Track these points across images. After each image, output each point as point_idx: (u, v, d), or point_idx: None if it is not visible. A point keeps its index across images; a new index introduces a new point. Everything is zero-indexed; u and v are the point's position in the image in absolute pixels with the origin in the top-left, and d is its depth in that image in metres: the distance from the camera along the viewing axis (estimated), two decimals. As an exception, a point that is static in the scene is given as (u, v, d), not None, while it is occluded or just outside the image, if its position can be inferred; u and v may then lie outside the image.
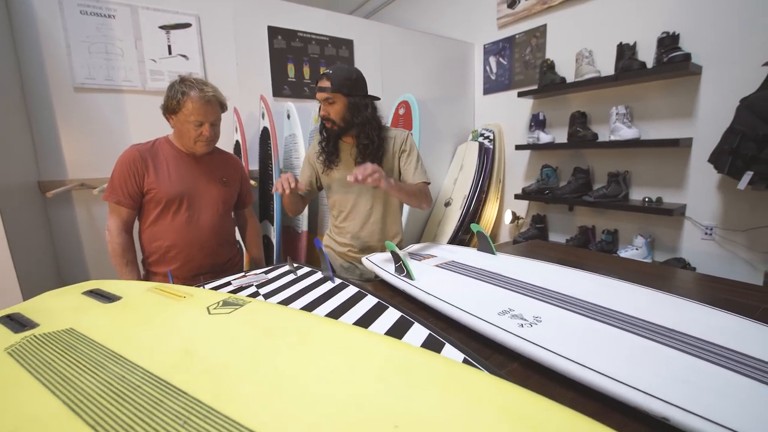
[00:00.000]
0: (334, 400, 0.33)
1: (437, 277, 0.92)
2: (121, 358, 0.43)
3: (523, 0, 2.52)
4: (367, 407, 0.32)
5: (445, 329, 0.73)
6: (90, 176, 1.65)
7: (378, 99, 1.31)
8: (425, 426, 0.30)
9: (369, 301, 0.74)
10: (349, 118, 1.22)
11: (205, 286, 0.89)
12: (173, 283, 0.77)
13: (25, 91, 1.54)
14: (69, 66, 1.60)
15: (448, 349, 0.55)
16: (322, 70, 2.25)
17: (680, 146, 1.83)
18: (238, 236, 1.53)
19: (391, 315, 0.67)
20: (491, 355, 0.64)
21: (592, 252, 2.03)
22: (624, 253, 2.05)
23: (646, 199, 2.00)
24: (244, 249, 1.67)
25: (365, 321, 0.66)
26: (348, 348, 0.42)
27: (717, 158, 1.67)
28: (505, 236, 2.89)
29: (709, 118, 1.80)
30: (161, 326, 0.51)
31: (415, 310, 0.83)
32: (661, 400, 0.46)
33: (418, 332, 0.61)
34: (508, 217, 2.73)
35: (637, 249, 2.04)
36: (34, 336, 0.51)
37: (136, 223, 1.25)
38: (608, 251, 2.16)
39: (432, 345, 0.57)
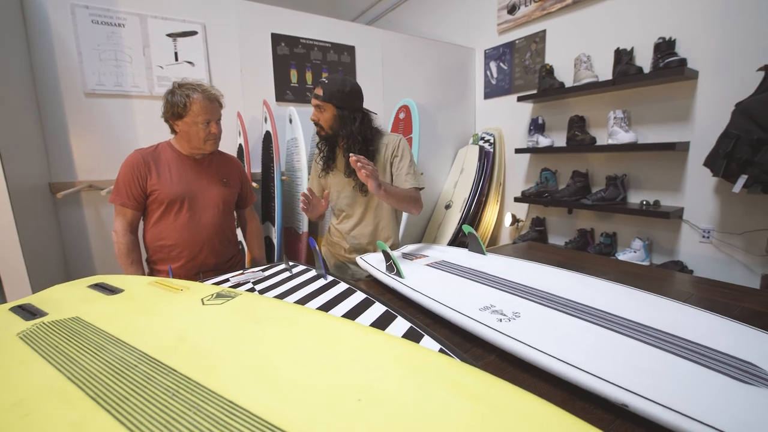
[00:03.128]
0: (307, 377, 0.37)
1: (426, 276, 0.96)
2: (120, 342, 0.47)
3: (522, 6, 2.56)
4: (335, 384, 0.36)
5: (430, 324, 0.76)
6: (98, 178, 1.72)
7: (374, 114, 1.35)
8: (385, 399, 0.34)
9: (357, 297, 0.77)
10: (336, 128, 1.28)
11: (204, 282, 0.94)
12: (173, 278, 0.82)
13: (39, 96, 1.61)
14: (80, 72, 1.67)
15: (426, 340, 0.59)
16: (324, 75, 2.31)
17: (677, 150, 1.85)
18: (240, 237, 1.58)
19: (377, 309, 0.71)
20: (471, 348, 0.68)
21: (585, 253, 2.05)
22: (622, 255, 2.07)
23: (644, 203, 2.01)
24: (245, 249, 1.72)
25: (352, 314, 0.69)
26: (326, 334, 0.46)
27: (712, 162, 1.68)
28: (505, 239, 2.92)
29: (706, 123, 1.82)
30: (158, 315, 0.55)
31: (403, 306, 0.86)
32: (621, 387, 0.49)
33: (400, 325, 0.64)
34: (508, 220, 2.75)
35: (635, 252, 2.05)
36: (43, 323, 0.56)
37: (142, 224, 1.30)
38: (607, 254, 2.17)
39: (412, 336, 0.60)
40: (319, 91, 1.26)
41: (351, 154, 1.10)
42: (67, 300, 0.65)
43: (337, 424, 0.31)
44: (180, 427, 0.32)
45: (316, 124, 1.29)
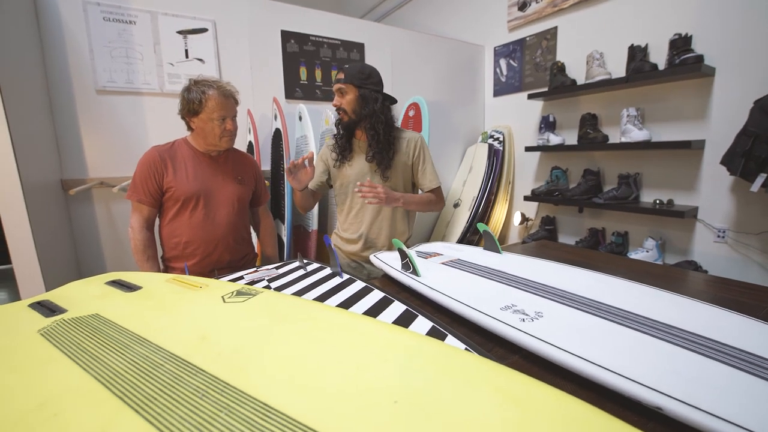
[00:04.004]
0: (340, 378, 0.36)
1: (443, 274, 0.94)
2: (144, 341, 0.47)
3: (533, 3, 2.53)
4: (370, 385, 0.35)
5: (449, 323, 0.75)
6: (109, 175, 1.72)
7: (395, 101, 1.36)
8: (422, 401, 0.33)
9: (375, 295, 0.76)
10: (359, 109, 1.28)
11: (219, 279, 0.93)
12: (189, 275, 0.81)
13: (51, 93, 1.61)
14: (92, 69, 1.67)
15: (450, 340, 0.58)
16: (334, 72, 2.30)
17: (692, 148, 1.82)
18: (253, 235, 1.58)
19: (396, 308, 0.70)
20: (493, 348, 0.66)
21: (601, 253, 2.02)
22: (634, 255, 2.04)
23: (657, 201, 1.98)
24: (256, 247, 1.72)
25: (371, 313, 0.68)
26: (354, 332, 0.45)
27: (730, 160, 1.65)
28: (514, 237, 2.89)
29: (722, 120, 1.78)
30: (179, 313, 0.55)
31: (420, 305, 0.85)
32: (655, 390, 0.47)
33: (422, 324, 0.63)
34: (517, 219, 2.73)
35: (647, 251, 2.02)
36: (64, 320, 0.55)
37: (157, 221, 1.30)
38: (618, 253, 2.14)
39: (435, 335, 0.59)
40: (341, 75, 1.29)
41: (357, 183, 1.18)
42: (86, 297, 0.65)
43: (375, 428, 0.30)
44: (213, 429, 0.31)
45: (339, 109, 1.31)
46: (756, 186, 1.53)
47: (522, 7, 2.60)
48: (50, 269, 1.40)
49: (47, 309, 0.61)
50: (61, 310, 0.60)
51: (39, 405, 0.36)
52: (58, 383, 0.40)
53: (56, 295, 0.68)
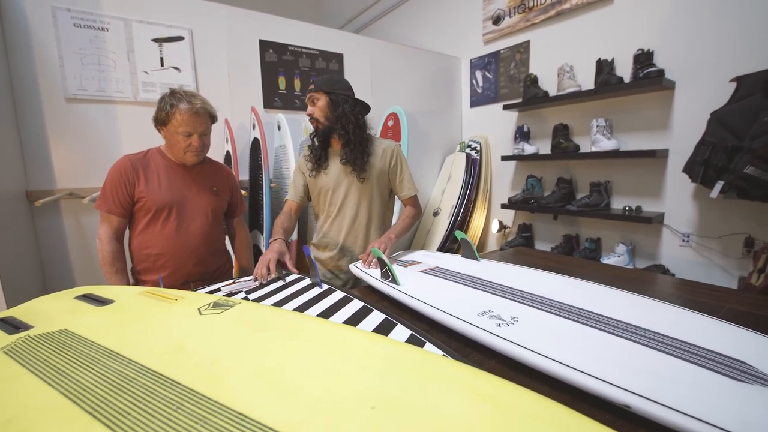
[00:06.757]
0: (317, 386, 0.36)
1: (422, 282, 0.96)
2: (116, 355, 0.45)
3: (507, 17, 2.63)
4: (348, 392, 0.35)
5: (428, 330, 0.76)
6: (79, 186, 1.66)
7: (368, 108, 1.38)
8: (399, 406, 0.33)
9: (355, 305, 0.76)
10: (330, 113, 1.31)
11: (195, 291, 0.91)
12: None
13: (16, 100, 1.55)
14: (61, 77, 1.62)
15: (429, 347, 0.58)
16: (312, 83, 2.32)
17: (657, 157, 1.92)
18: (229, 246, 1.55)
19: (376, 317, 0.70)
20: (470, 354, 0.68)
21: (575, 258, 2.09)
22: (607, 260, 2.11)
23: (627, 208, 2.06)
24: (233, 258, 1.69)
25: (351, 323, 0.68)
26: (332, 341, 0.45)
27: (690, 168, 1.75)
28: (492, 245, 2.95)
29: (683, 130, 1.89)
30: (154, 326, 0.53)
31: (400, 313, 0.86)
32: (623, 389, 0.49)
33: (401, 332, 0.64)
34: (495, 227, 2.79)
35: (619, 256, 2.10)
36: (29, 336, 0.53)
37: (127, 232, 1.26)
38: (592, 259, 2.22)
39: (414, 343, 0.60)
40: (312, 86, 1.33)
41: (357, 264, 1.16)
42: (54, 312, 0.62)
43: (352, 434, 0.30)
44: (188, 441, 0.31)
45: (312, 118, 1.32)
46: (715, 192, 1.63)
47: (496, 21, 2.70)
48: (13, 285, 1.33)
49: (11, 326, 0.58)
50: (27, 327, 0.57)
51: (4, 423, 0.35)
52: (23, 401, 0.38)
53: (21, 312, 0.65)
